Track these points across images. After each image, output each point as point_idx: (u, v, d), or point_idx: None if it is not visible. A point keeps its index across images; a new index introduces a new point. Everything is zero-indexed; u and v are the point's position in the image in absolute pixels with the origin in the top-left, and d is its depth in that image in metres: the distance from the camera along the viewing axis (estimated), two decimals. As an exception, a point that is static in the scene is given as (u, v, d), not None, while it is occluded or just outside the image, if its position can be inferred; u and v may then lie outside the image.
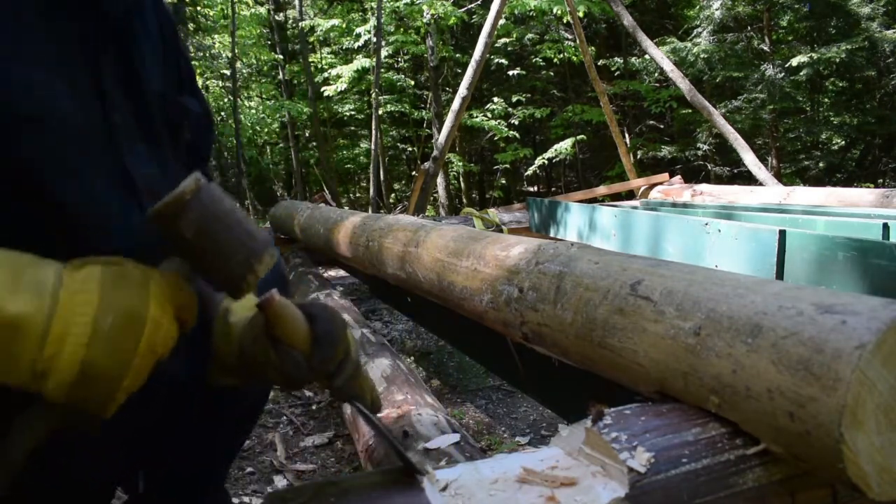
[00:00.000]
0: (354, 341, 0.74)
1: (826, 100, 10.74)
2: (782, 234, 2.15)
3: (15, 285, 0.52)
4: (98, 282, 0.56)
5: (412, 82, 11.12)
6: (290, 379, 0.68)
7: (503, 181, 12.83)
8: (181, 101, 0.86)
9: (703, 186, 5.73)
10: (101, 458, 0.75)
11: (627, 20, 7.20)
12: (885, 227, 2.37)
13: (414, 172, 9.39)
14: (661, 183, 6.28)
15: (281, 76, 12.89)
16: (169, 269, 0.63)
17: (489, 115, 10.22)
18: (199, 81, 11.98)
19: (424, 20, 9.61)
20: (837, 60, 8.43)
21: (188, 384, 0.81)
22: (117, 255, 0.60)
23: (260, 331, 0.69)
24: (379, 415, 1.48)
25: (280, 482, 1.87)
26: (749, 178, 7.45)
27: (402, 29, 10.00)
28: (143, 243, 0.68)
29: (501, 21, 7.38)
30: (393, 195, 11.84)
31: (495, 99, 10.49)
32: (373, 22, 8.60)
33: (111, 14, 0.72)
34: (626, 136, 10.64)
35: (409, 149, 12.33)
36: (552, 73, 11.81)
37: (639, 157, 10.86)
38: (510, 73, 10.48)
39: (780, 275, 2.14)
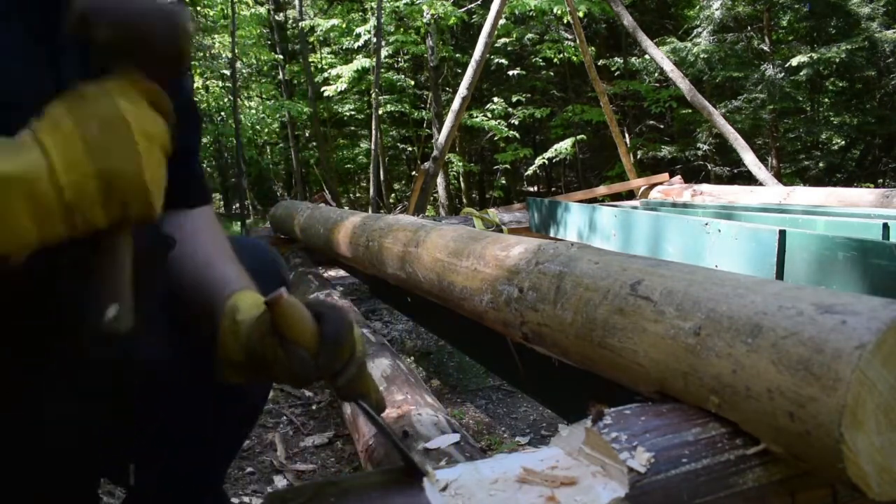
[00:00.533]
0: (362, 341, 0.74)
1: (826, 100, 10.74)
2: (782, 234, 2.15)
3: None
4: (64, 110, 0.57)
5: (412, 82, 11.12)
6: (296, 377, 0.68)
7: (503, 181, 12.84)
8: None
9: (703, 186, 5.73)
10: (73, 434, 0.74)
11: (627, 20, 7.20)
12: (885, 227, 2.37)
13: (414, 172, 9.39)
14: (661, 183, 6.28)
15: (281, 76, 12.89)
16: (119, 73, 0.62)
17: (489, 115, 10.22)
18: (199, 81, 12.02)
19: (424, 20, 9.61)
20: (837, 60, 8.43)
21: (170, 374, 0.81)
22: None
23: (267, 328, 0.69)
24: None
25: (280, 482, 1.87)
26: (749, 178, 7.46)
27: (402, 29, 10.00)
28: None
29: (501, 21, 7.38)
30: (393, 195, 11.85)
31: (495, 99, 10.49)
32: (373, 22, 8.60)
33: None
34: (626, 136, 10.64)
35: (410, 149, 12.33)
36: (552, 73, 11.81)
37: (639, 157, 10.86)
38: (510, 73, 10.48)
39: (780, 275, 2.14)
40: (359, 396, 0.73)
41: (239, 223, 8.45)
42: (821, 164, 10.36)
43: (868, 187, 7.41)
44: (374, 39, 8.21)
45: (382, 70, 9.43)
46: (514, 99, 10.60)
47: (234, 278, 0.82)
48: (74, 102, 0.57)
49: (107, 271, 0.57)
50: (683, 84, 6.89)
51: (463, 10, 9.42)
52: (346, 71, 9.41)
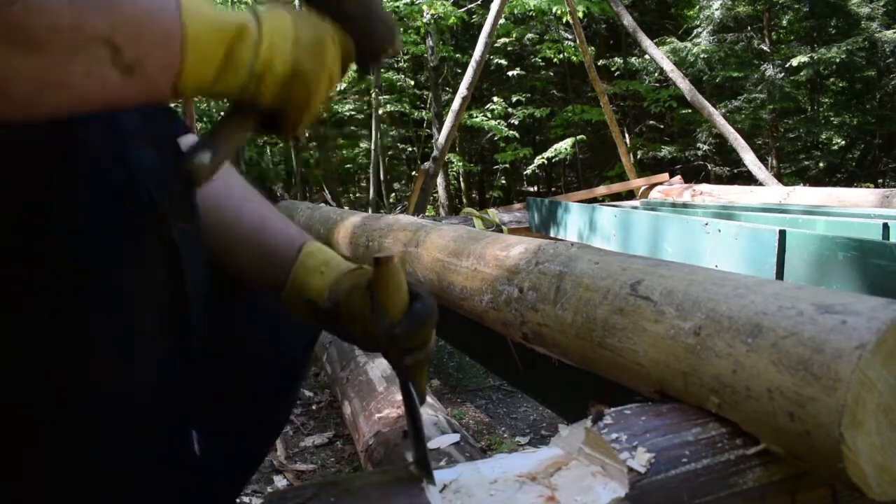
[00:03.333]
0: (434, 341, 0.78)
1: (826, 100, 10.74)
2: (782, 234, 2.15)
3: (227, 11, 0.58)
4: (286, 11, 0.63)
5: (412, 82, 11.12)
6: (371, 337, 0.72)
7: (503, 181, 12.83)
8: None
9: (703, 186, 5.72)
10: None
11: (627, 20, 7.20)
12: (885, 227, 2.37)
13: (414, 172, 9.39)
14: (661, 183, 6.27)
15: (281, 76, 12.85)
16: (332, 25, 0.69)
17: (489, 115, 10.22)
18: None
19: (424, 20, 9.61)
20: (837, 60, 8.42)
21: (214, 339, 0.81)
22: None
23: (364, 282, 0.73)
24: (378, 415, 1.48)
25: (280, 482, 1.87)
26: (749, 178, 7.45)
27: (402, 29, 9.99)
28: None
29: (501, 21, 7.37)
30: (393, 195, 11.84)
31: (495, 99, 10.48)
32: (373, 22, 8.57)
33: None
34: (626, 136, 10.64)
35: (410, 149, 12.32)
36: (552, 73, 11.81)
37: (639, 157, 10.85)
38: (510, 73, 10.47)
39: (780, 275, 2.14)
40: (413, 381, 0.75)
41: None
42: (821, 164, 10.36)
43: (868, 187, 7.41)
44: (374, 39, 8.19)
45: (382, 70, 9.43)
46: (514, 99, 10.59)
47: (298, 232, 0.87)
48: (299, 14, 0.63)
49: (221, 130, 0.62)
50: (683, 84, 6.89)
51: (463, 10, 9.42)
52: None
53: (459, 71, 9.95)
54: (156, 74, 0.53)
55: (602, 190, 6.94)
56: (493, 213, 4.91)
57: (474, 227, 4.37)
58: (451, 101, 7.06)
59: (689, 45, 9.38)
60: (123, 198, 0.63)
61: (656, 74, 9.86)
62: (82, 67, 0.48)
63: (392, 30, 0.72)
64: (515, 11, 9.56)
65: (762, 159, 7.96)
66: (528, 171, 11.30)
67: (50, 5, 0.46)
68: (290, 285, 0.80)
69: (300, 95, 0.62)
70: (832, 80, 10.25)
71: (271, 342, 0.98)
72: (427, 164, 6.22)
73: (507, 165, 11.48)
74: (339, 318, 0.76)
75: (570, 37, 10.10)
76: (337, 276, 0.79)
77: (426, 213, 7.25)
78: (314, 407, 2.42)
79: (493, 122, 10.01)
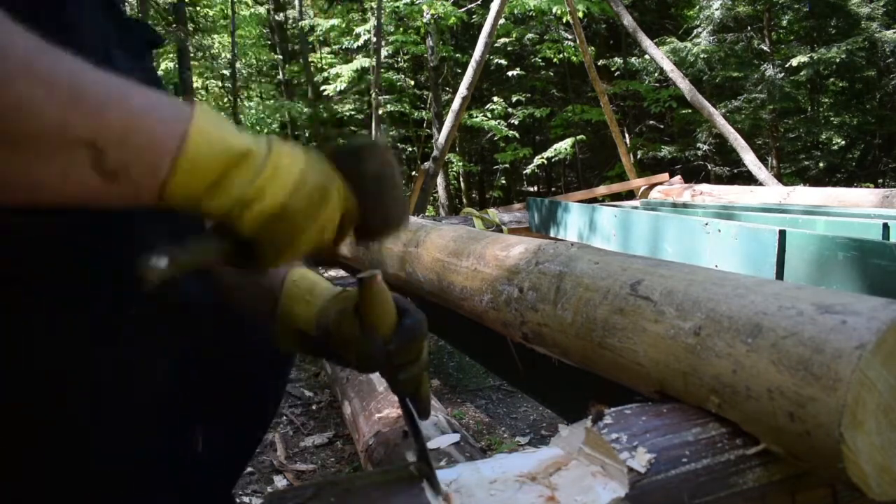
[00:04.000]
0: (427, 350, 0.78)
1: (826, 100, 10.74)
2: (782, 234, 2.15)
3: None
4: (303, 152, 0.61)
5: (412, 82, 11.12)
6: (366, 357, 0.71)
7: (503, 181, 12.83)
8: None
9: (703, 186, 5.72)
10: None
11: (627, 20, 7.20)
12: (885, 227, 2.37)
13: (414, 172, 9.38)
14: (661, 183, 6.27)
15: (281, 76, 12.89)
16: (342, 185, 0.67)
17: (489, 115, 10.22)
18: (199, 82, 12.00)
19: (424, 20, 9.61)
20: (837, 60, 8.43)
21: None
22: None
23: (350, 305, 0.73)
24: (378, 415, 1.48)
25: (280, 482, 1.87)
26: (749, 178, 7.46)
27: (402, 29, 10.00)
28: None
29: (501, 21, 7.38)
30: (393, 195, 11.81)
31: (495, 99, 10.49)
32: (373, 22, 8.60)
33: None
34: (626, 136, 10.64)
35: (410, 149, 12.33)
36: (552, 73, 11.81)
37: (639, 157, 10.86)
38: (510, 73, 10.47)
39: (780, 275, 2.14)
40: (411, 396, 0.75)
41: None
42: (821, 164, 10.37)
43: (868, 187, 7.42)
44: (374, 39, 8.21)
45: (382, 70, 9.43)
46: (514, 99, 10.60)
47: None
48: (314, 158, 0.62)
49: (191, 245, 0.59)
50: (683, 84, 6.89)
51: (463, 10, 9.42)
52: (346, 70, 9.41)
53: (459, 71, 9.96)
54: (142, 181, 0.51)
55: (602, 190, 6.94)
56: (493, 213, 4.91)
57: (474, 227, 4.37)
58: (451, 101, 7.07)
59: (689, 45, 9.38)
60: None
61: (656, 74, 9.87)
62: (59, 169, 0.46)
63: (402, 216, 0.70)
64: (515, 11, 9.57)
65: (762, 159, 7.96)
66: (528, 171, 11.31)
67: (35, 100, 0.44)
68: (280, 314, 0.79)
69: (283, 235, 0.59)
70: (832, 80, 10.26)
71: (286, 353, 0.99)
72: (427, 164, 6.22)
73: (507, 165, 11.49)
74: (331, 344, 0.75)
75: (570, 37, 10.11)
76: (322, 303, 0.78)
77: (426, 213, 7.25)
78: (314, 407, 2.42)
79: (493, 122, 10.02)
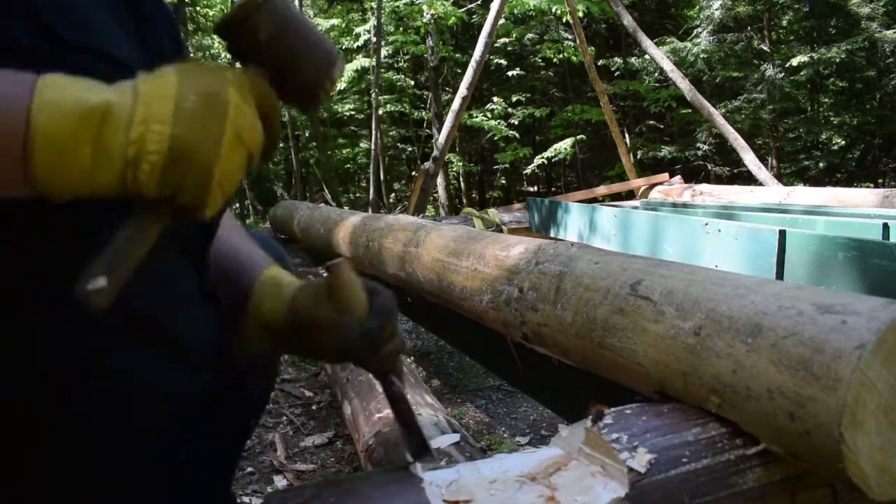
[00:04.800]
0: (401, 330, 0.81)
1: (826, 100, 10.75)
2: (782, 234, 2.15)
3: (94, 86, 0.51)
4: (174, 71, 0.55)
5: (412, 82, 11.12)
6: (343, 341, 0.72)
7: (503, 181, 12.83)
8: None
9: (703, 186, 5.73)
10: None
11: (627, 20, 7.20)
12: (885, 227, 2.37)
13: (414, 172, 9.39)
14: (661, 183, 6.27)
15: (281, 76, 12.85)
16: (249, 69, 0.62)
17: (489, 115, 10.22)
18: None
19: (424, 20, 9.61)
20: (837, 60, 8.43)
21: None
22: None
23: (322, 293, 0.73)
24: (378, 415, 1.48)
25: (280, 482, 1.87)
26: (749, 178, 7.46)
27: (402, 29, 10.00)
28: None
29: (501, 21, 7.38)
30: (393, 195, 11.84)
31: (495, 99, 10.49)
32: (372, 22, 8.59)
33: None
34: (626, 136, 10.64)
35: (409, 149, 12.33)
36: (552, 73, 11.81)
37: (639, 157, 10.86)
38: (510, 73, 10.48)
39: (780, 275, 2.14)
40: (392, 372, 0.77)
41: (238, 223, 8.44)
42: (821, 165, 10.37)
43: (868, 187, 7.42)
44: (374, 39, 8.21)
45: (382, 70, 9.43)
46: (514, 99, 10.60)
47: (262, 258, 0.86)
48: (189, 70, 0.55)
49: (120, 243, 0.53)
50: (683, 84, 6.89)
51: (463, 10, 9.42)
52: (346, 70, 9.41)
53: (459, 71, 9.96)
54: (5, 173, 0.47)
55: (602, 190, 6.94)
56: (493, 213, 4.91)
57: (474, 227, 4.37)
58: (451, 101, 7.07)
59: (689, 45, 9.38)
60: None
61: (656, 74, 9.87)
62: None
63: (328, 58, 0.63)
64: (515, 11, 9.57)
65: (762, 159, 7.96)
66: (528, 171, 11.31)
67: None
68: (249, 313, 0.78)
69: (192, 175, 0.52)
70: (832, 80, 10.26)
71: None
72: (427, 164, 6.22)
73: (507, 165, 11.49)
74: (303, 330, 0.75)
75: (570, 37, 10.11)
76: (290, 294, 0.77)
77: (426, 213, 7.25)
78: (314, 407, 2.42)
79: (493, 122, 10.02)
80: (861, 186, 8.50)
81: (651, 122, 11.44)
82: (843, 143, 10.45)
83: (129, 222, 0.54)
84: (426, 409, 1.40)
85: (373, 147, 8.35)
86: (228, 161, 0.54)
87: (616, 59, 10.96)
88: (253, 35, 0.60)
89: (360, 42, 9.73)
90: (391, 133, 12.36)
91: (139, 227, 0.54)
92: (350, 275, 0.73)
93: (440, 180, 10.65)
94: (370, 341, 0.73)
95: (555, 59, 10.31)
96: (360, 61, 9.49)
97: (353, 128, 13.40)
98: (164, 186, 0.52)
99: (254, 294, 0.79)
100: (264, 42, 0.60)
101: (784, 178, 9.56)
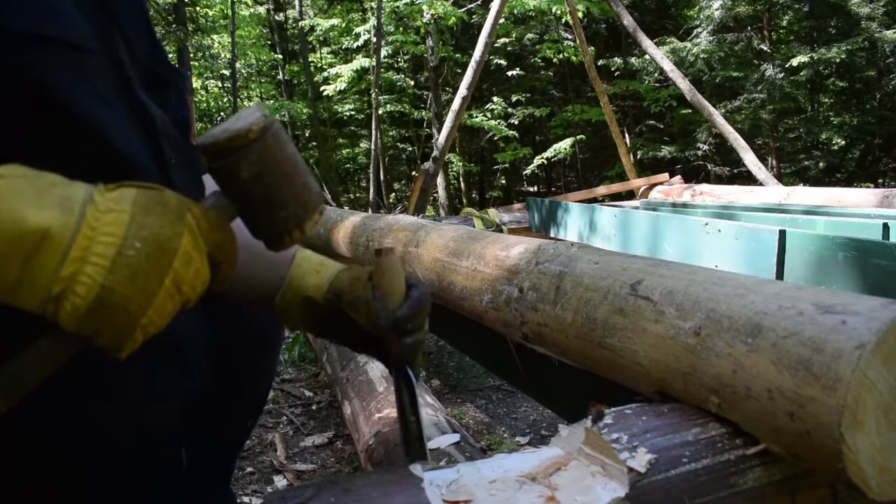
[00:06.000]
0: (427, 327, 0.85)
1: (826, 100, 10.75)
2: (782, 234, 2.15)
3: (41, 199, 0.48)
4: (131, 203, 0.51)
5: (412, 82, 11.12)
6: (374, 321, 0.75)
7: (503, 181, 12.83)
8: (167, 59, 0.85)
9: (703, 186, 5.72)
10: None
11: (627, 20, 7.20)
12: (885, 227, 2.37)
13: (414, 172, 9.39)
14: (661, 183, 6.27)
15: (281, 76, 12.89)
16: (210, 205, 0.58)
17: (489, 115, 10.23)
18: (199, 82, 12.00)
19: (424, 20, 9.61)
20: (837, 60, 8.43)
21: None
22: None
23: (364, 275, 0.78)
24: (378, 415, 1.48)
25: (280, 482, 1.87)
26: (749, 178, 7.46)
27: (402, 29, 10.00)
28: (169, 181, 0.69)
29: (501, 21, 7.38)
30: (393, 195, 11.84)
31: (495, 99, 10.49)
32: (372, 22, 8.60)
33: None
34: (626, 136, 10.64)
35: (409, 149, 12.33)
36: (552, 73, 11.81)
37: (639, 157, 10.86)
38: (510, 73, 10.48)
39: (780, 275, 2.14)
40: (411, 364, 0.81)
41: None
42: (821, 164, 10.37)
43: (868, 187, 7.42)
44: (374, 39, 8.20)
45: (382, 70, 9.43)
46: (514, 99, 10.60)
47: None
48: (148, 198, 0.53)
49: (26, 362, 0.51)
50: (683, 84, 6.89)
51: (463, 10, 9.42)
52: (346, 70, 9.41)
53: (459, 71, 9.96)
54: None
55: (602, 190, 6.94)
56: (493, 213, 4.91)
57: (474, 227, 4.37)
58: (451, 101, 7.07)
59: (688, 45, 9.38)
60: None
61: (656, 74, 9.87)
62: None
63: (306, 208, 0.60)
64: (515, 11, 9.57)
65: (762, 159, 7.96)
66: (528, 171, 11.31)
67: None
68: (287, 286, 0.81)
69: (114, 325, 0.50)
70: (832, 80, 10.26)
71: (271, 331, 0.99)
72: (427, 164, 6.22)
73: (507, 165, 11.49)
74: (338, 311, 0.79)
75: (570, 37, 10.11)
76: (333, 272, 0.82)
77: (426, 213, 7.25)
78: (314, 407, 2.42)
79: (492, 122, 10.02)
80: (861, 186, 8.51)
81: (651, 122, 11.44)
82: (843, 143, 10.45)
83: (40, 341, 0.51)
84: (426, 409, 1.40)
85: (373, 147, 8.35)
86: (158, 312, 0.52)
87: (616, 59, 10.96)
88: (234, 171, 0.56)
89: (360, 42, 9.74)
90: (391, 133, 12.36)
91: (51, 349, 0.51)
92: (397, 262, 0.78)
93: (440, 180, 10.66)
94: (398, 327, 0.76)
95: (555, 59, 10.31)
96: (360, 61, 9.49)
97: (353, 128, 13.41)
98: (83, 327, 0.50)
99: (292, 270, 0.82)
100: (244, 181, 0.57)
101: (784, 178, 9.57)
